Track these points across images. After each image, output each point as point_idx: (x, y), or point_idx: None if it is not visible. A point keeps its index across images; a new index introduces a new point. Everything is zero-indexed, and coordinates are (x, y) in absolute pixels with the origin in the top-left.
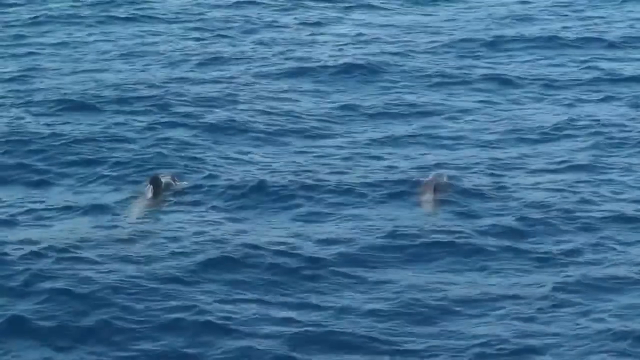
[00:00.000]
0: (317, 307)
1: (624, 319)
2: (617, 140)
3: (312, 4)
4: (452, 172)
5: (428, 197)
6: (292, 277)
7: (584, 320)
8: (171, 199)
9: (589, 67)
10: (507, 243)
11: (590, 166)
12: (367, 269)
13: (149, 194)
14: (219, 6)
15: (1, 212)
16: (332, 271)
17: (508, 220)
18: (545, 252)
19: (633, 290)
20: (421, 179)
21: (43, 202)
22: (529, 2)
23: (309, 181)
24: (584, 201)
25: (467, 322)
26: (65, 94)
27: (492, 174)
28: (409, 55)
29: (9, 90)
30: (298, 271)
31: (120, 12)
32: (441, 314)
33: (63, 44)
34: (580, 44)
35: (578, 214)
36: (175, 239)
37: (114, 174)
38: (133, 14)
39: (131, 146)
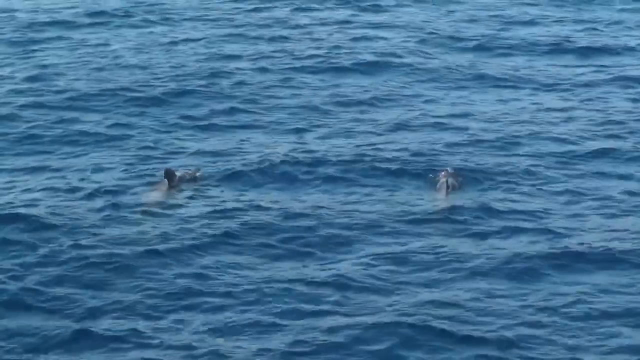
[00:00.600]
0: (319, 283)
1: (615, 298)
2: (620, 134)
3: (323, 4)
4: (461, 158)
5: (441, 196)
6: (295, 255)
7: (577, 300)
8: (185, 189)
9: (595, 67)
10: (509, 224)
11: (593, 157)
12: (370, 248)
13: (164, 186)
14: (229, 6)
15: (18, 199)
16: (334, 248)
17: (512, 205)
18: (548, 235)
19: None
20: (430, 175)
21: (57, 189)
22: (537, 4)
23: (320, 169)
24: (585, 189)
25: (457, 295)
26: (80, 92)
27: (497, 162)
28: (417, 52)
29: (26, 89)
30: (301, 250)
31: (134, 19)
32: (436, 286)
33: (78, 47)
34: (587, 45)
35: (581, 201)
36: (185, 221)
37: (129, 167)
38: (146, 18)
39: (145, 139)
